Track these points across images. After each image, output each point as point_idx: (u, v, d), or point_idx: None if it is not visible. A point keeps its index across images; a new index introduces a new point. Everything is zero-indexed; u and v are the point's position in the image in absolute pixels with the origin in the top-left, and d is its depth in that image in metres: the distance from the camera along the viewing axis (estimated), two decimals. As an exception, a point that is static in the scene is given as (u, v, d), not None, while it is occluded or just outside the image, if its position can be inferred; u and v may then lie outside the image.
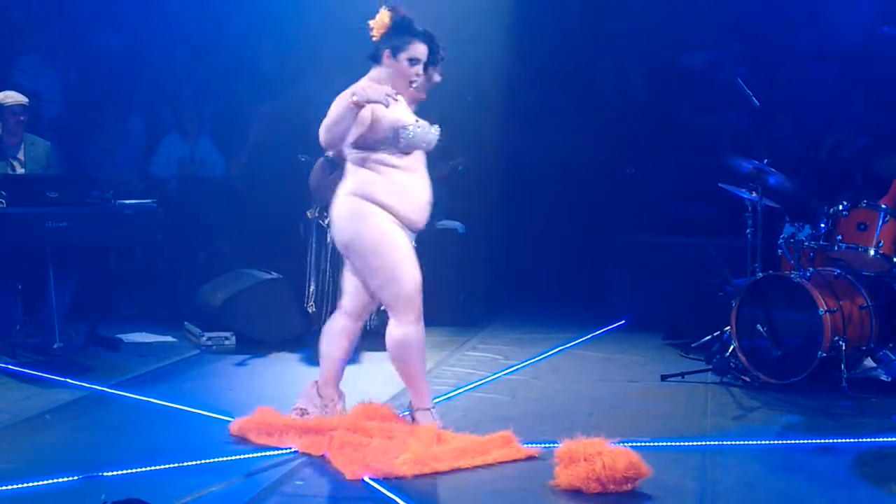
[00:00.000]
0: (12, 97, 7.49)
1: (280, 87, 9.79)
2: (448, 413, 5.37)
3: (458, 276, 8.79)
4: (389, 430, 5.12)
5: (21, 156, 7.46)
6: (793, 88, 8.40)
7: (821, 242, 6.01)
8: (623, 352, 6.97)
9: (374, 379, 6.39)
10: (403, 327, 4.75)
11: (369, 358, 7.08)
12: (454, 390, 6.11)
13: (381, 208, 4.69)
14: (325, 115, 5.32)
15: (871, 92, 8.08)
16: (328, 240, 7.74)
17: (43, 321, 7.06)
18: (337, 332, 5.03)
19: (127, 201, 7.42)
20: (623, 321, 8.03)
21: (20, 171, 7.44)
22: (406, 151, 4.65)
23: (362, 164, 4.68)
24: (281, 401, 5.59)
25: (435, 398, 5.78)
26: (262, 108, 9.73)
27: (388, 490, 4.33)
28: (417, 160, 4.73)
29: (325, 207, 7.86)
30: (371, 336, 7.45)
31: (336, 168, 7.92)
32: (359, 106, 4.51)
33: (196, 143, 9.52)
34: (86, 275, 7.56)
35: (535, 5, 9.67)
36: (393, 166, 4.66)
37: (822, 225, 6.01)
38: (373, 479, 4.52)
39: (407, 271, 4.75)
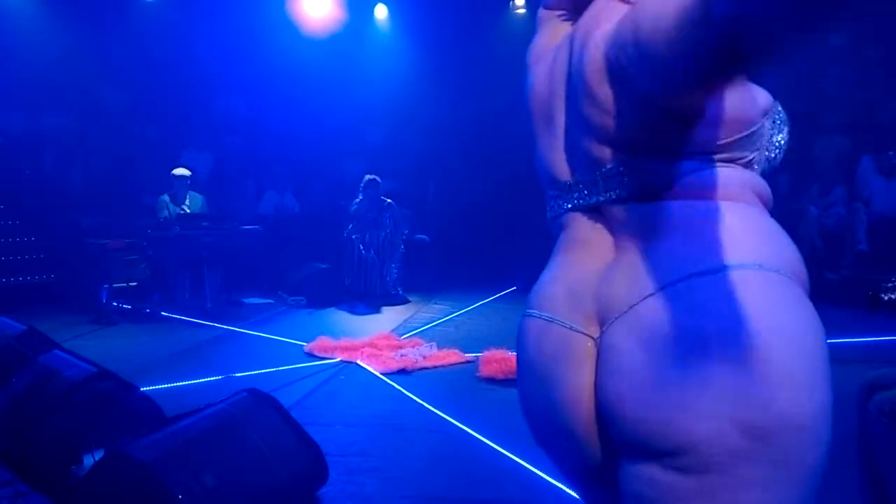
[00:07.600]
0: (180, 171, 9.03)
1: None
2: (421, 337, 6.73)
3: (428, 267, 10.11)
4: (393, 346, 6.29)
5: (187, 202, 9.08)
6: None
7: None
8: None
9: (386, 321, 7.86)
10: None
11: (386, 310, 8.77)
12: (424, 325, 7.49)
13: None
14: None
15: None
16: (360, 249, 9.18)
17: (201, 293, 8.49)
18: None
19: (246, 227, 9.11)
20: (514, 287, 9.32)
21: (187, 211, 8.95)
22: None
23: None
24: (332, 331, 6.91)
25: (413, 329, 7.20)
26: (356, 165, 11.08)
27: (391, 379, 5.35)
28: None
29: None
30: (383, 297, 9.20)
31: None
32: None
33: (283, 193, 11.29)
34: (225, 269, 8.78)
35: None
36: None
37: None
38: (385, 373, 5.49)
39: None
